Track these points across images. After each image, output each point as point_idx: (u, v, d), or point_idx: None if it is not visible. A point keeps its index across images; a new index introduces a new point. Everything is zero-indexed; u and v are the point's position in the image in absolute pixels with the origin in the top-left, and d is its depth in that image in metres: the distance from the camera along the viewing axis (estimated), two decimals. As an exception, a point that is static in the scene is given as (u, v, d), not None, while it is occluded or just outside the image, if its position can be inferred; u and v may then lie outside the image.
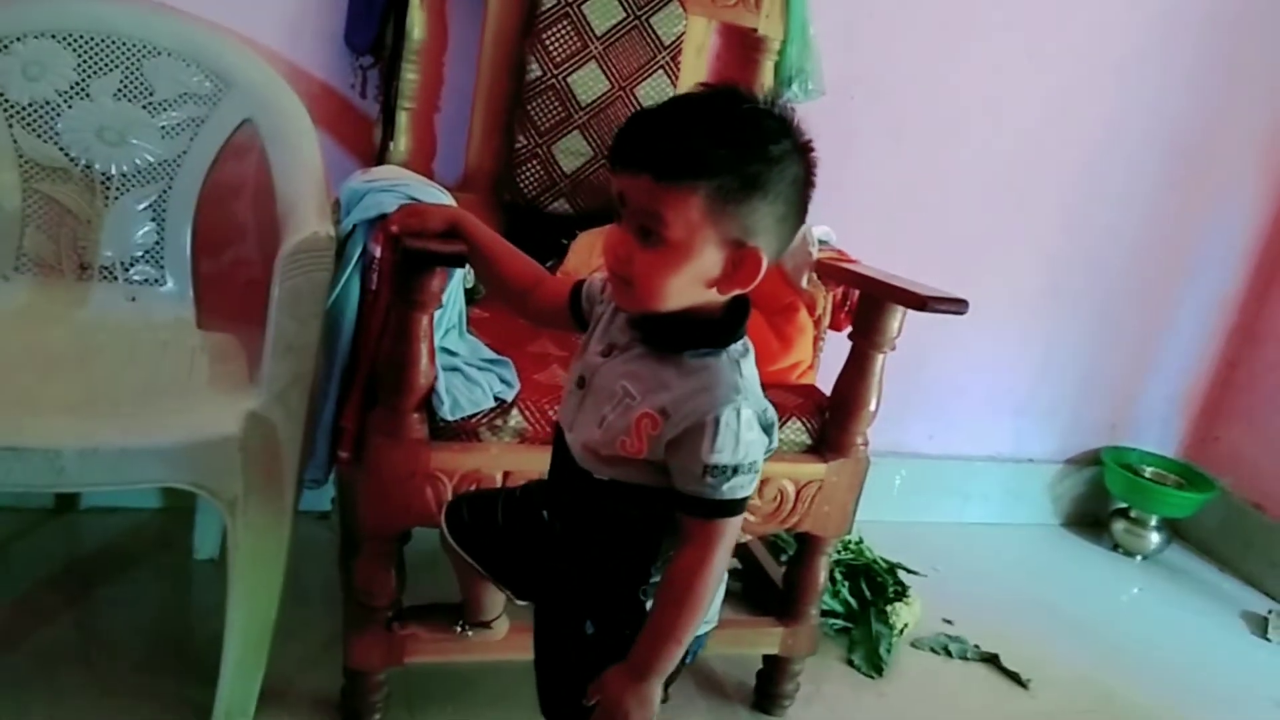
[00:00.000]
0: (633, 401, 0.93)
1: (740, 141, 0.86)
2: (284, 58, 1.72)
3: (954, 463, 2.50)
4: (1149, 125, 2.35)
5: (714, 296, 0.92)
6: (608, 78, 1.72)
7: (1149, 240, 2.47)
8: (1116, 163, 2.36)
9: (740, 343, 0.95)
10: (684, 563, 0.95)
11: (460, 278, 1.33)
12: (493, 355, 1.39)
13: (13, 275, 1.52)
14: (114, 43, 1.52)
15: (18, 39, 1.48)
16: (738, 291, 0.92)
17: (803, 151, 0.90)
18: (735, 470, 0.91)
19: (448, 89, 1.76)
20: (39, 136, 1.52)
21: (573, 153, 1.74)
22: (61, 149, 1.53)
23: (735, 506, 0.93)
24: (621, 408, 0.94)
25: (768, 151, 0.87)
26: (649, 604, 1.02)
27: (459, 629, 1.37)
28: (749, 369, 0.95)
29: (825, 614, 1.86)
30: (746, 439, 0.91)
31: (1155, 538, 2.54)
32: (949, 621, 2.03)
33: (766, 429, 0.95)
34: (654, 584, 1.02)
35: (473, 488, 1.31)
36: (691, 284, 0.90)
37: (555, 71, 1.69)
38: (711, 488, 0.91)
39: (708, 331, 0.93)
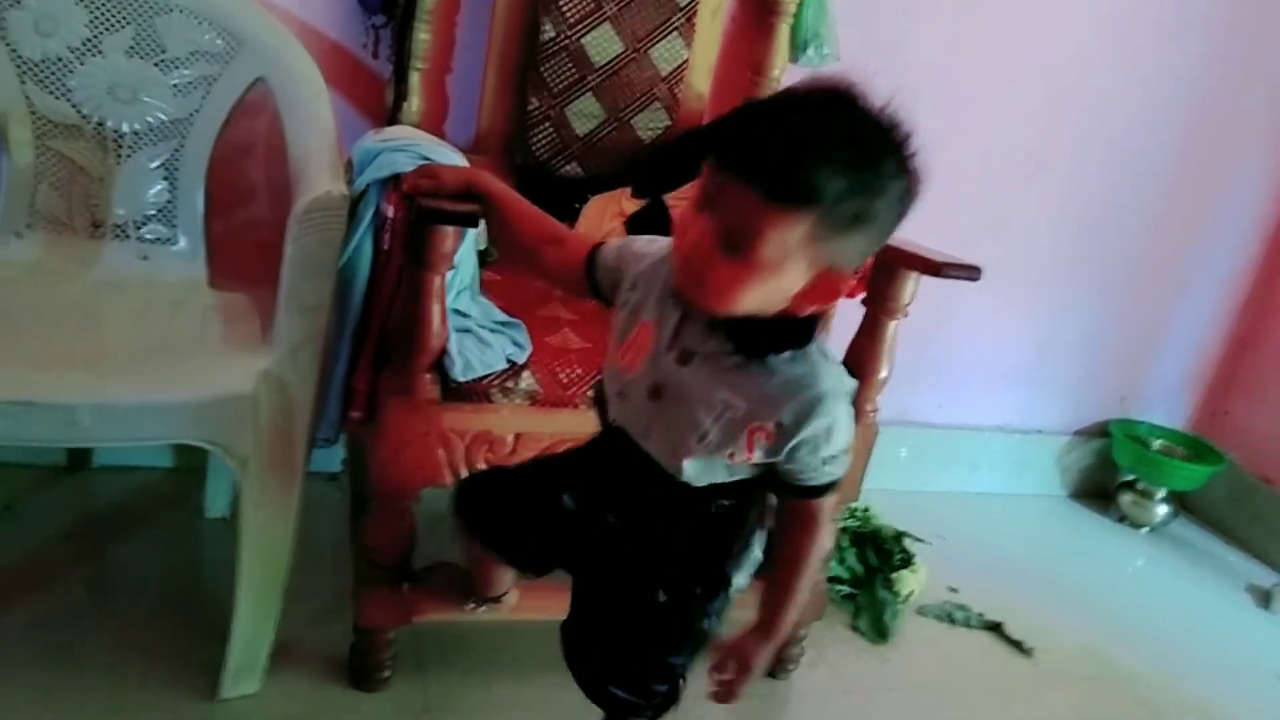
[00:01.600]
0: (737, 414, 0.92)
1: (861, 175, 0.81)
2: (296, 16, 1.71)
3: (962, 432, 2.50)
4: (1165, 94, 2.32)
5: (783, 307, 0.88)
6: (622, 39, 1.70)
7: (1163, 211, 2.45)
8: (1131, 132, 2.34)
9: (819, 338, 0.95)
10: (799, 541, 1.01)
11: (473, 239, 1.33)
12: (505, 317, 1.39)
13: (25, 232, 1.52)
14: (126, -1, 1.52)
15: (30, -7, 1.47)
16: (811, 310, 0.89)
17: (911, 184, 0.85)
18: (845, 452, 0.96)
19: (460, 49, 1.74)
20: (51, 93, 1.51)
21: (586, 115, 1.72)
22: (74, 106, 1.52)
23: (839, 482, 0.98)
24: (725, 421, 0.92)
25: (881, 184, 0.82)
26: (729, 570, 1.06)
27: (470, 606, 1.38)
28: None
29: (831, 580, 1.87)
30: (847, 422, 0.95)
31: (1162, 510, 2.54)
32: (954, 590, 2.03)
33: (851, 402, 0.97)
34: (736, 555, 1.06)
35: (480, 465, 1.32)
36: (765, 298, 0.86)
37: (569, 32, 1.67)
38: (827, 474, 0.96)
39: (796, 332, 0.91)
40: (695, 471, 0.96)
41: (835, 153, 0.80)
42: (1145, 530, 2.55)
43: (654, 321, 0.96)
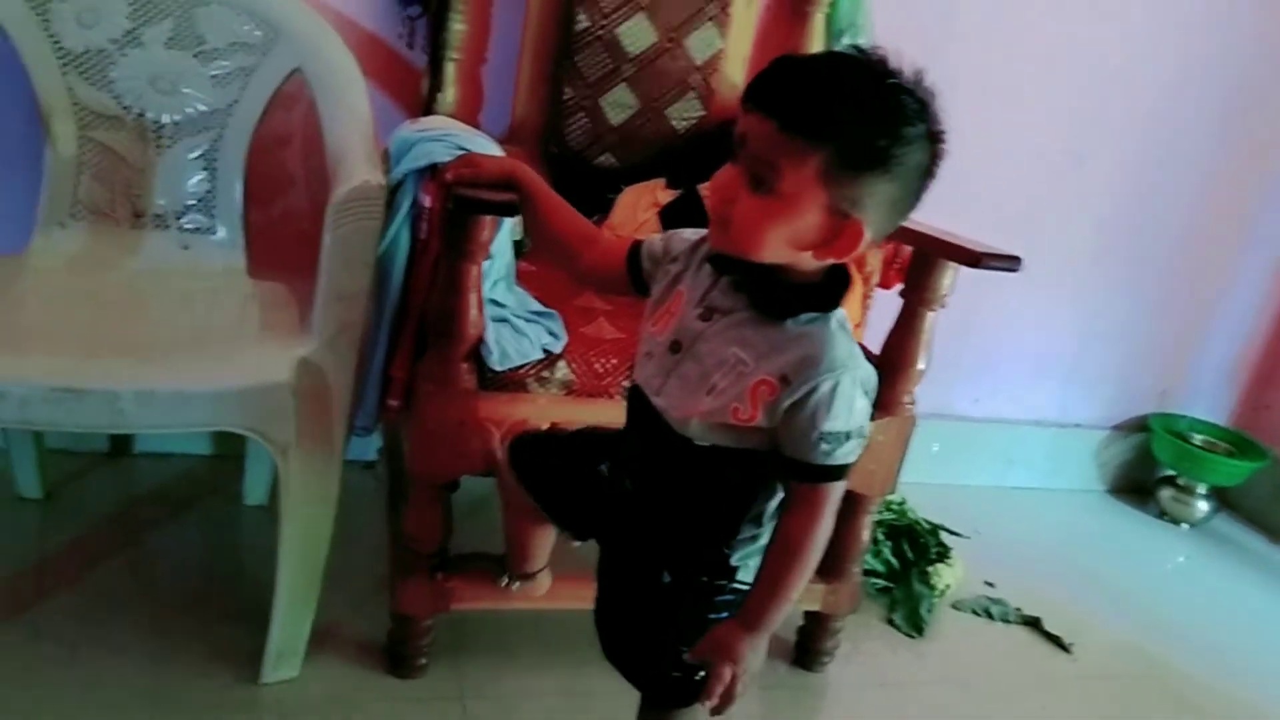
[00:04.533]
0: (746, 368, 0.92)
1: (876, 113, 0.84)
2: (332, 7, 1.72)
3: (998, 426, 2.48)
4: (1209, 86, 2.28)
5: (807, 260, 0.90)
6: (656, 29, 1.70)
7: (1204, 203, 2.41)
8: (1175, 124, 2.30)
9: (842, 311, 0.94)
10: (793, 527, 0.96)
11: (509, 229, 1.33)
12: (540, 308, 1.39)
13: (69, 222, 1.54)
14: (166, -9, 1.53)
15: (72, -14, 1.49)
16: (831, 260, 0.90)
17: (934, 139, 0.87)
18: (847, 436, 0.92)
19: (495, 40, 1.74)
20: (93, 85, 1.53)
21: (620, 105, 1.72)
22: (115, 97, 1.54)
23: (843, 471, 0.94)
24: (734, 375, 0.93)
25: (900, 131, 0.84)
26: (733, 558, 1.04)
27: (503, 583, 1.38)
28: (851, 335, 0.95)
29: (867, 573, 1.86)
30: (859, 406, 0.92)
31: (1203, 506, 2.50)
32: (991, 584, 2.02)
33: (867, 395, 0.94)
34: (741, 540, 1.03)
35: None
36: (786, 240, 0.88)
37: (603, 22, 1.67)
38: (824, 454, 0.92)
39: (814, 296, 0.92)
40: (699, 429, 0.95)
41: (852, 90, 0.84)
42: (1186, 526, 2.51)
43: (687, 288, 0.99)
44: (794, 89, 0.85)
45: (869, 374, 0.94)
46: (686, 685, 1.07)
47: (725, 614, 1.02)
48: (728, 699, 0.98)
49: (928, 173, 0.88)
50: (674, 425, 0.97)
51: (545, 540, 1.32)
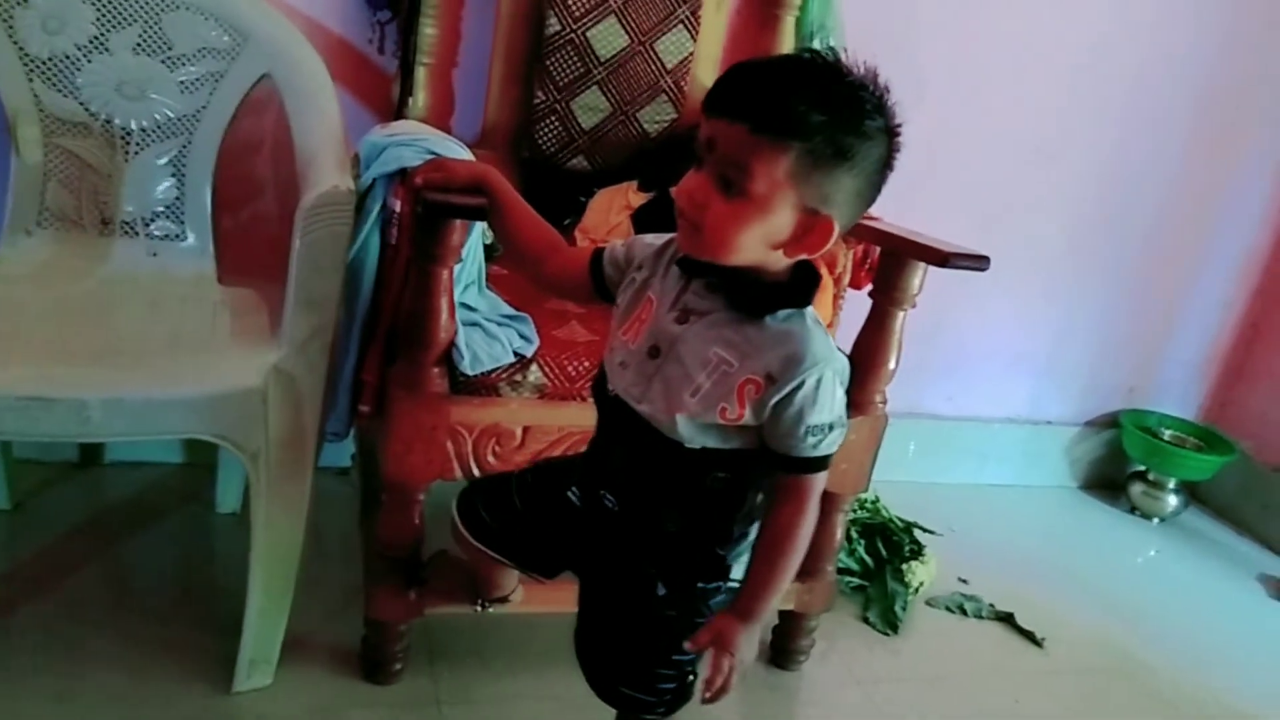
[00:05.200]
0: (731, 368, 0.94)
1: (839, 110, 0.86)
2: (302, 12, 1.71)
3: (971, 424, 2.50)
4: (1177, 83, 2.31)
5: (777, 259, 0.92)
6: (627, 32, 1.70)
7: (1173, 200, 2.44)
8: (1143, 121, 2.33)
9: (813, 306, 0.96)
10: (781, 518, 0.99)
11: (480, 232, 1.33)
12: (512, 311, 1.39)
13: (35, 230, 1.53)
14: (132, -4, 1.52)
15: (37, -8, 1.48)
16: (803, 256, 0.93)
17: (891, 134, 0.90)
18: (830, 428, 0.95)
19: (466, 44, 1.74)
20: (59, 91, 1.52)
21: (591, 108, 1.72)
22: (81, 103, 1.53)
23: (826, 462, 0.98)
24: (718, 374, 0.94)
25: (862, 125, 0.87)
26: (729, 558, 1.06)
27: (478, 608, 1.40)
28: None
29: (841, 572, 1.87)
30: (839, 397, 0.95)
31: (1173, 500, 2.53)
32: (964, 581, 2.03)
33: (844, 385, 0.97)
34: (735, 539, 1.05)
35: (490, 459, 1.32)
36: (760, 241, 0.90)
37: (574, 26, 1.67)
38: (811, 446, 0.95)
39: (788, 293, 0.94)
40: (689, 431, 0.96)
41: (815, 90, 0.86)
42: (1156, 521, 2.54)
43: (658, 295, 1.00)
44: (761, 92, 0.87)
45: (844, 365, 0.97)
46: (674, 696, 1.09)
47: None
48: (724, 689, 1.00)
49: (887, 165, 0.91)
50: (663, 430, 0.98)
51: (509, 570, 1.32)
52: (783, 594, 1.01)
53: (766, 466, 0.99)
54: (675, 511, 1.04)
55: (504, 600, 1.40)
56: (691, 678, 1.11)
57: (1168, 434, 2.59)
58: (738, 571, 1.06)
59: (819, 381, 0.92)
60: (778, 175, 0.86)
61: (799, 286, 0.95)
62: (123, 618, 1.50)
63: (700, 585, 1.07)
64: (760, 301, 0.94)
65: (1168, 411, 2.64)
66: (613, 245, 1.08)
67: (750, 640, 1.01)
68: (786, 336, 0.93)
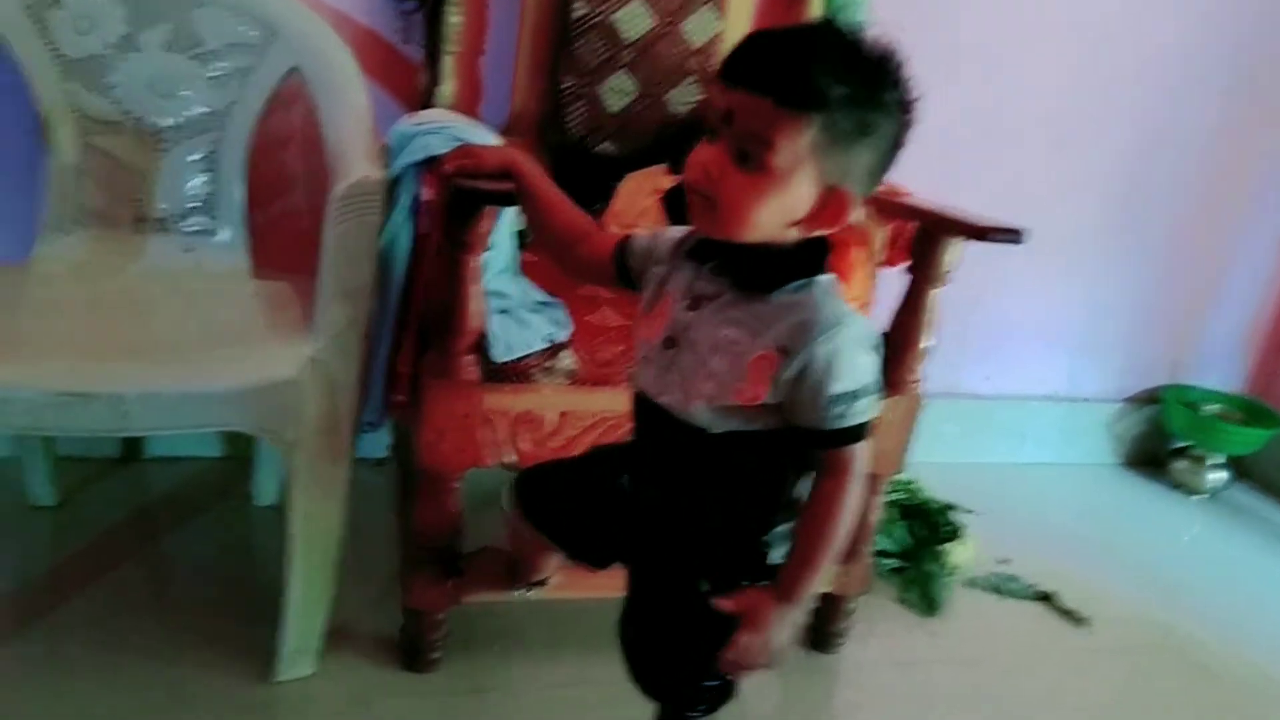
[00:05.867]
0: (740, 346, 0.92)
1: (862, 84, 0.85)
2: (328, 5, 1.72)
3: (1009, 403, 2.47)
4: (1215, 50, 2.26)
5: (790, 235, 0.91)
6: (653, 14, 1.69)
7: (1213, 168, 2.39)
8: (1180, 90, 2.28)
9: (829, 275, 0.94)
10: (820, 494, 0.95)
11: (510, 218, 1.33)
12: (544, 297, 1.39)
13: (72, 228, 1.55)
14: (161, -7, 1.53)
15: (67, -8, 1.49)
16: (819, 232, 0.91)
17: (906, 107, 0.88)
18: (856, 395, 0.91)
19: (492, 31, 1.74)
20: (92, 90, 1.53)
21: (619, 92, 1.71)
22: (114, 102, 1.54)
23: (861, 431, 0.93)
24: (731, 355, 0.92)
25: (882, 99, 0.86)
26: (771, 555, 1.03)
27: (518, 591, 1.39)
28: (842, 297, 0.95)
29: (879, 554, 1.85)
30: (862, 362, 0.91)
31: (1217, 476, 2.49)
32: (1004, 561, 2.01)
33: (872, 349, 0.94)
34: (777, 534, 1.02)
35: (523, 446, 1.32)
36: (777, 216, 0.88)
37: (600, 8, 1.66)
38: (837, 417, 0.91)
39: (795, 264, 0.92)
40: (708, 417, 0.95)
41: (837, 62, 0.85)
42: (1200, 497, 2.50)
43: (674, 289, 0.98)
44: (784, 63, 0.85)
45: (865, 329, 0.93)
46: (717, 694, 1.08)
47: None
48: (746, 666, 0.97)
49: (901, 139, 0.90)
50: (683, 419, 0.96)
51: (554, 555, 1.31)
52: (823, 574, 0.96)
53: (802, 446, 0.96)
54: (715, 503, 1.02)
55: (542, 584, 1.39)
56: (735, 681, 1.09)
57: (1211, 408, 2.54)
58: None
59: (834, 348, 0.89)
60: (799, 149, 0.84)
61: (806, 256, 0.93)
62: (166, 610, 1.53)
63: (745, 583, 1.03)
64: (765, 276, 0.92)
65: (1211, 386, 2.59)
66: (638, 235, 1.07)
67: (787, 623, 0.97)
68: (796, 306, 0.91)
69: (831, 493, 0.95)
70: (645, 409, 1.02)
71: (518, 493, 1.21)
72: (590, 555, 1.20)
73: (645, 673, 1.12)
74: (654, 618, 1.12)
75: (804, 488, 1.00)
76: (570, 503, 1.18)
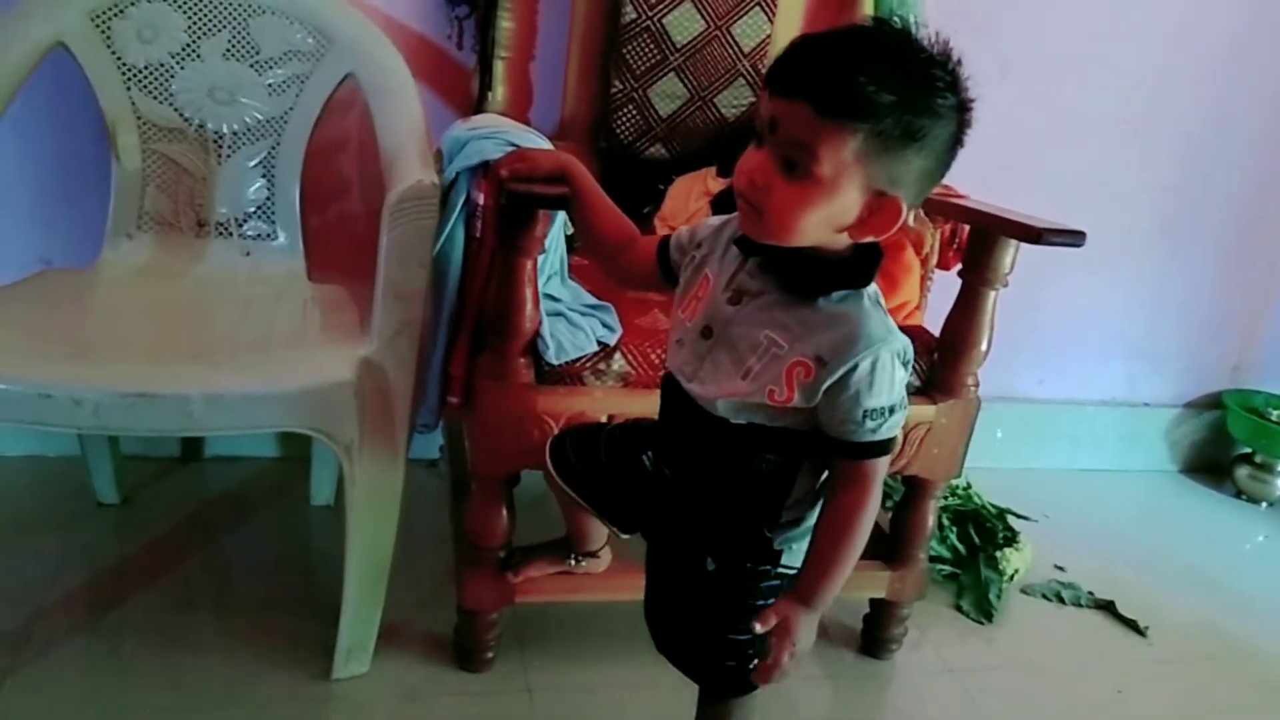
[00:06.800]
0: (781, 351, 0.92)
1: (909, 90, 0.83)
2: (382, 12, 1.74)
3: (1065, 408, 2.43)
4: (1272, 48, 2.21)
5: (841, 240, 0.90)
6: (703, 17, 1.69)
7: (1270, 171, 2.33)
8: (1236, 90, 2.23)
9: (873, 287, 0.94)
10: (843, 505, 0.97)
11: (562, 222, 1.34)
12: (595, 300, 1.39)
13: (135, 233, 1.59)
14: (221, 3, 1.56)
15: (131, 3, 1.53)
16: (869, 239, 0.90)
17: (963, 109, 0.86)
18: (891, 411, 0.93)
19: (542, 36, 1.75)
20: (155, 98, 1.57)
21: (669, 96, 1.72)
22: (176, 109, 1.58)
23: (889, 445, 0.95)
24: (769, 358, 0.93)
25: (933, 104, 0.84)
26: (776, 542, 1.04)
27: (570, 561, 1.41)
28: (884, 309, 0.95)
29: (933, 560, 1.83)
30: (899, 378, 0.92)
31: (1283, 484, 2.43)
32: (1061, 568, 1.98)
33: (905, 365, 0.94)
34: (783, 524, 1.03)
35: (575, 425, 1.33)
36: (824, 224, 0.87)
37: (650, 13, 1.67)
38: (870, 431, 0.92)
39: (844, 273, 0.92)
40: (730, 409, 0.95)
41: (884, 68, 0.82)
42: (1264, 505, 2.44)
43: (715, 273, 0.98)
44: (827, 71, 0.83)
45: (905, 345, 0.94)
46: (740, 674, 1.08)
47: (773, 600, 1.02)
48: (779, 674, 0.98)
49: (957, 143, 0.88)
50: (708, 408, 0.97)
51: (594, 520, 1.34)
52: (844, 581, 0.99)
53: (825, 453, 0.97)
54: (724, 490, 1.03)
55: (594, 555, 1.41)
56: (753, 665, 1.09)
57: (1276, 414, 2.48)
58: (790, 559, 1.04)
59: (875, 363, 0.90)
60: (844, 157, 0.83)
61: (857, 265, 0.92)
62: (226, 607, 1.56)
63: (749, 565, 1.05)
64: (814, 282, 0.92)
65: (1275, 390, 2.53)
66: (679, 231, 1.07)
67: (809, 627, 0.99)
68: (840, 318, 0.91)
69: (854, 503, 0.96)
70: (672, 390, 1.03)
71: (552, 452, 1.24)
72: (617, 519, 1.22)
73: (666, 643, 1.15)
74: (667, 591, 1.14)
75: (810, 485, 1.01)
76: (598, 470, 1.20)
